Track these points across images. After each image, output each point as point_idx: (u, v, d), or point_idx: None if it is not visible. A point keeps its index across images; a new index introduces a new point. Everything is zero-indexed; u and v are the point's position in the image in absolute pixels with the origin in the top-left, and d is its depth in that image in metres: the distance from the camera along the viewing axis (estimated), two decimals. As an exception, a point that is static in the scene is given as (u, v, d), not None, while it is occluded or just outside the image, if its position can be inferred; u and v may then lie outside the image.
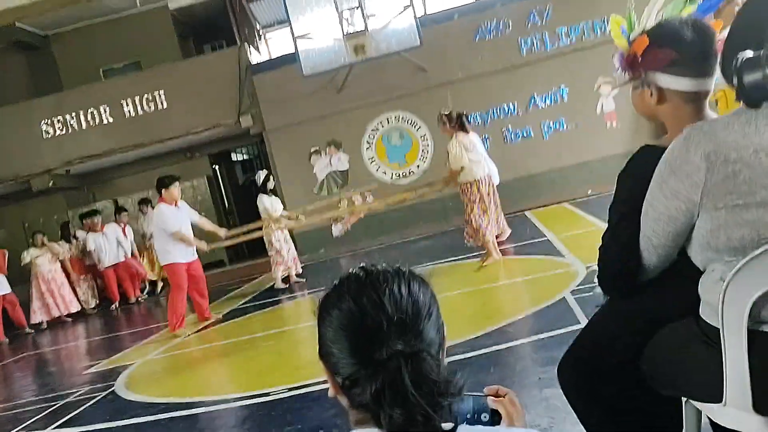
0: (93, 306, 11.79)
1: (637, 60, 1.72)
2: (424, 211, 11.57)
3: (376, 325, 0.96)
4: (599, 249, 1.80)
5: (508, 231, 8.04)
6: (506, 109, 12.03)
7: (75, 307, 11.23)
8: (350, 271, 1.05)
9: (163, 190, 7.14)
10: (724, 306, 1.42)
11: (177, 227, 7.03)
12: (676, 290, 1.66)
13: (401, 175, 12.28)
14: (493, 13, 11.91)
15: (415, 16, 10.48)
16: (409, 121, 12.22)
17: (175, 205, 7.22)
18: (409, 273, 1.05)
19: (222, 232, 7.96)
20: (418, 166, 12.18)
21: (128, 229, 11.69)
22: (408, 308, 0.98)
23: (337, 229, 12.41)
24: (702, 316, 1.56)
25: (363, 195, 12.20)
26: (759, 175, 1.35)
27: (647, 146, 1.74)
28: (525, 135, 12.02)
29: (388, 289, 0.99)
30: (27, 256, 11.02)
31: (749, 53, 1.25)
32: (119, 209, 12.07)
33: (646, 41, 1.68)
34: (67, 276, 11.37)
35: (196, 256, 7.38)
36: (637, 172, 1.67)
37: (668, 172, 1.50)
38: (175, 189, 7.17)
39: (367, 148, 12.32)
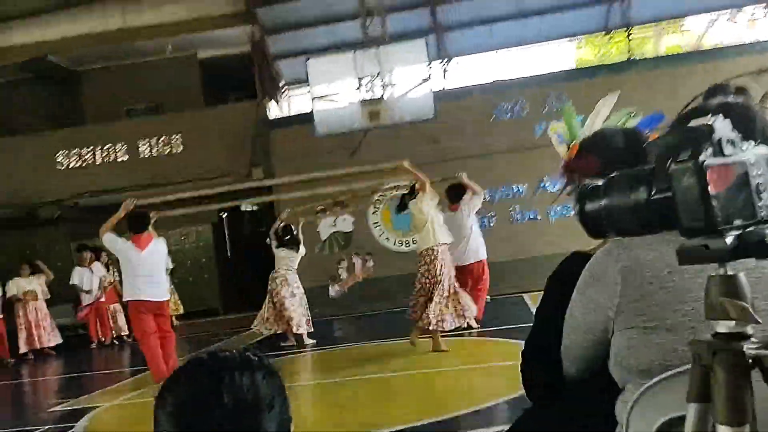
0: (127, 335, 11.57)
1: (571, 167, 1.72)
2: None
3: (208, 412, 0.92)
4: (521, 353, 1.76)
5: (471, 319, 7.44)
6: (515, 189, 12.07)
7: (56, 340, 11.14)
8: (196, 354, 1.02)
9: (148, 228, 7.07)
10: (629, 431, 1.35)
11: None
12: (600, 404, 1.60)
13: (404, 243, 12.24)
14: (511, 95, 12.10)
15: (432, 90, 10.66)
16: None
17: None
18: (258, 361, 1.01)
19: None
20: (421, 236, 12.15)
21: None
22: (247, 398, 0.94)
23: (334, 290, 12.29)
24: (616, 437, 1.50)
25: (363, 259, 12.17)
26: (671, 299, 1.32)
27: (576, 253, 1.72)
28: (532, 217, 12.01)
29: (228, 376, 0.95)
30: (13, 286, 10.96)
31: (596, 181, 1.20)
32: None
33: (577, 148, 1.69)
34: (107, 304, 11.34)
35: None
36: (564, 278, 1.66)
37: (588, 282, 1.47)
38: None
39: (373, 213, 12.35)
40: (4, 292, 10.87)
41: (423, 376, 6.10)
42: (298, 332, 8.46)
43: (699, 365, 0.96)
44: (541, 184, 11.97)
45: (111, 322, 11.50)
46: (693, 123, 0.95)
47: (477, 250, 8.46)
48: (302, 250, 9.00)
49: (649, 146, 1.05)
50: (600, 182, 1.15)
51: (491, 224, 11.86)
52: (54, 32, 12.69)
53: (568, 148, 1.82)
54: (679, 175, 0.89)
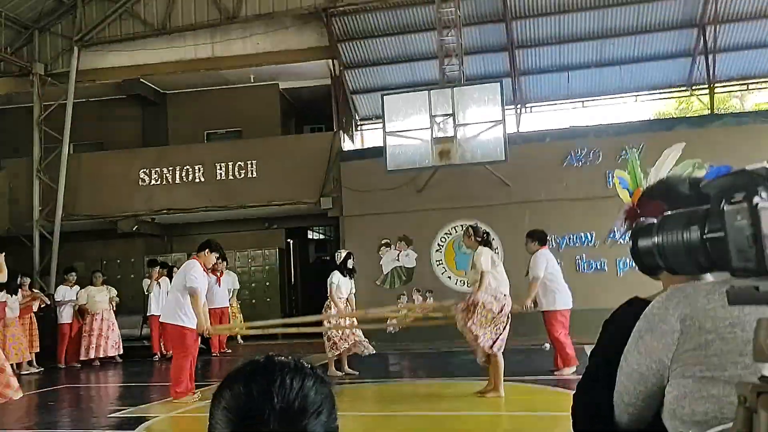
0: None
1: (635, 212, 1.72)
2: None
3: (258, 411, 0.96)
4: (573, 396, 1.74)
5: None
6: (583, 238, 11.85)
7: (117, 351, 11.53)
8: (253, 357, 1.07)
9: (204, 252, 7.19)
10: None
11: (197, 285, 6.91)
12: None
13: (465, 283, 12.14)
14: (585, 142, 11.96)
15: (504, 133, 10.65)
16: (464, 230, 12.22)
17: (206, 271, 7.33)
18: (309, 369, 1.05)
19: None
20: (483, 278, 12.05)
21: (224, 279, 11.84)
22: (295, 402, 0.98)
23: (391, 324, 12.29)
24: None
25: (424, 295, 12.14)
26: (731, 350, 1.29)
27: (636, 299, 1.70)
28: (598, 267, 11.74)
29: (280, 378, 1.00)
30: (85, 294, 11.44)
31: (650, 219, 1.22)
32: (223, 257, 11.66)
33: (641, 194, 1.69)
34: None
35: None
36: (621, 323, 1.64)
37: (645, 328, 1.46)
38: (213, 257, 7.33)
39: (437, 250, 12.34)
40: (77, 299, 11.38)
41: (473, 418, 6.01)
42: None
43: (744, 407, 0.95)
44: (611, 235, 11.70)
45: None
46: (750, 166, 0.97)
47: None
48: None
49: (705, 188, 1.06)
50: (654, 220, 1.17)
51: (555, 271, 11.66)
52: (148, 56, 13.44)
53: (631, 194, 1.83)
54: (733, 216, 0.91)
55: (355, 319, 8.94)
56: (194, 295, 6.87)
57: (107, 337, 11.36)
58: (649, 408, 1.51)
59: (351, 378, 8.53)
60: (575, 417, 1.74)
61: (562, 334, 8.36)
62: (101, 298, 11.43)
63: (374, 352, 8.90)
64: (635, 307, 1.64)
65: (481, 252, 6.89)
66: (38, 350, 10.98)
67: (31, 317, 10.91)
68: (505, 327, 6.77)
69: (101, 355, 11.28)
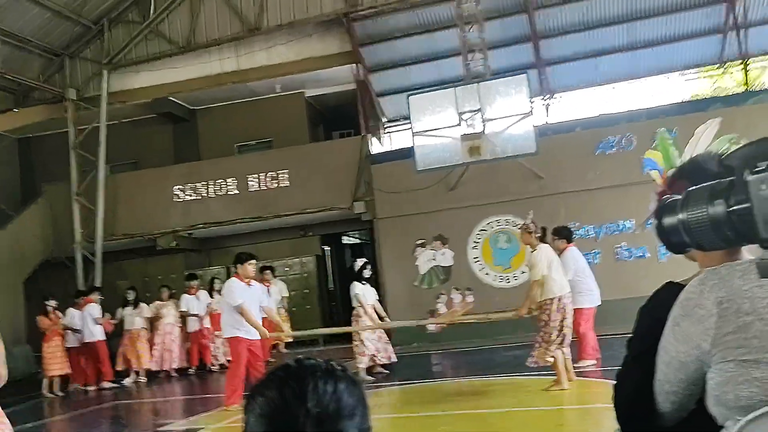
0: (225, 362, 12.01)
1: (666, 193, 1.67)
2: (523, 319, 11.20)
3: (293, 416, 0.95)
4: (613, 386, 1.70)
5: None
6: (622, 225, 11.63)
7: (177, 364, 11.71)
8: (284, 361, 1.06)
9: (238, 266, 7.32)
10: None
11: (241, 301, 7.03)
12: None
13: (504, 279, 12.04)
14: (617, 129, 11.75)
15: (533, 124, 10.52)
16: (519, 226, 12.07)
17: (248, 283, 7.31)
18: (341, 371, 1.03)
19: (285, 329, 8.35)
20: (522, 272, 11.89)
21: (273, 289, 11.70)
22: (330, 405, 0.97)
23: (432, 325, 12.23)
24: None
25: (463, 294, 12.07)
26: None
27: (670, 283, 1.65)
28: (640, 254, 11.51)
29: (312, 382, 0.98)
30: (152, 308, 11.76)
31: (675, 196, 1.17)
32: (265, 267, 11.83)
33: (670, 173, 1.64)
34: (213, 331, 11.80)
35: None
36: (656, 310, 1.59)
37: (681, 314, 1.41)
38: (250, 267, 7.33)
39: (473, 247, 12.25)
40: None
41: (520, 414, 5.95)
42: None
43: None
44: (649, 221, 11.44)
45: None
46: None
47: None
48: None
49: (727, 159, 1.02)
50: (678, 197, 1.12)
51: (596, 261, 11.47)
52: (176, 74, 13.65)
53: (662, 175, 1.78)
54: (757, 185, 0.86)
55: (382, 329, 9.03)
56: (242, 310, 6.99)
57: (171, 350, 11.56)
58: (692, 395, 1.47)
59: (400, 379, 8.55)
60: (617, 407, 1.70)
61: (587, 329, 8.18)
62: (166, 312, 11.65)
63: (396, 360, 9.08)
64: (670, 291, 1.59)
65: (537, 252, 6.79)
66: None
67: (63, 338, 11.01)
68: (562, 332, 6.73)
69: (164, 368, 11.52)
